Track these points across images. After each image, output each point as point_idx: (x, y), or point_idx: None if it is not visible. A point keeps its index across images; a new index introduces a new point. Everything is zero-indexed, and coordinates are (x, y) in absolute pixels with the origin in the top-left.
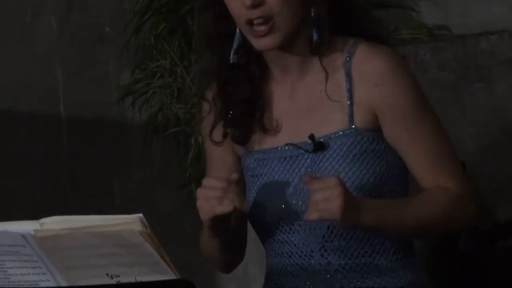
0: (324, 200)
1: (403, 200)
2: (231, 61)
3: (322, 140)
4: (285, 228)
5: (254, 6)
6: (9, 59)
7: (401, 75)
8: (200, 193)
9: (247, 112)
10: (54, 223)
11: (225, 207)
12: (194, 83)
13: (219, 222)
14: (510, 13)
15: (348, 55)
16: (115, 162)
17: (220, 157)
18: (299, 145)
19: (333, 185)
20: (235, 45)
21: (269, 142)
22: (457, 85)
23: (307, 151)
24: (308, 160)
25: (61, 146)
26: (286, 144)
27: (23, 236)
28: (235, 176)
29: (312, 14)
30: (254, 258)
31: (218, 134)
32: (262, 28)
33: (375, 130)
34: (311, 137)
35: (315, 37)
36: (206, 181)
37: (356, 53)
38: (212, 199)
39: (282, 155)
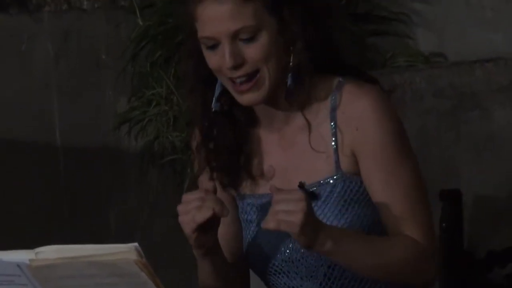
0: (286, 211)
1: (370, 237)
2: (213, 109)
3: (312, 189)
4: (281, 274)
5: (235, 67)
6: (5, 86)
7: (384, 120)
8: (180, 208)
9: (232, 158)
10: (49, 253)
11: (204, 213)
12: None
13: (204, 233)
14: (506, 40)
15: (333, 98)
16: (111, 190)
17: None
18: None
19: (297, 199)
20: (216, 93)
21: (260, 188)
22: (452, 112)
23: None
24: None
25: (57, 173)
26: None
27: (18, 265)
28: (211, 185)
29: (291, 63)
30: None
31: (206, 180)
32: (245, 85)
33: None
34: (301, 185)
35: (289, 82)
36: (184, 197)
37: (340, 96)
38: (191, 210)
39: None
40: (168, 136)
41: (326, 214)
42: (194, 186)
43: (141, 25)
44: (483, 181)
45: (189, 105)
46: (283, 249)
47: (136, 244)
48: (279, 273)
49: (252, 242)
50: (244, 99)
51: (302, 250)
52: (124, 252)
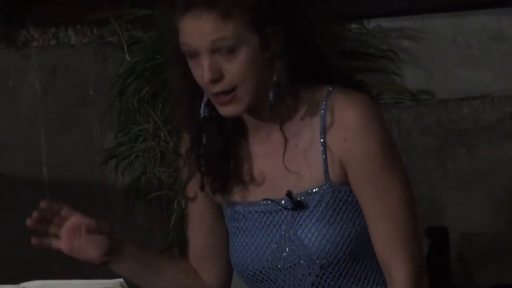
0: None
1: None
2: (202, 115)
3: (300, 198)
4: (268, 282)
5: (213, 81)
6: None
7: (372, 132)
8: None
9: (222, 163)
10: (35, 287)
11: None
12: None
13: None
14: (492, 78)
15: (323, 107)
16: None
17: (199, 213)
18: (277, 202)
19: None
20: (205, 99)
21: (249, 196)
22: (440, 149)
23: (286, 208)
24: (288, 217)
25: None
26: (265, 200)
27: None
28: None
29: (274, 79)
30: None
31: (194, 187)
32: (224, 98)
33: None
34: (289, 194)
35: (270, 97)
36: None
37: (331, 105)
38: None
39: (261, 210)
40: (155, 172)
41: (314, 223)
42: (180, 222)
43: (128, 60)
44: (470, 219)
45: (176, 112)
46: (271, 257)
47: (121, 279)
48: (266, 281)
49: (240, 249)
50: (224, 111)
51: (290, 259)
52: (109, 287)
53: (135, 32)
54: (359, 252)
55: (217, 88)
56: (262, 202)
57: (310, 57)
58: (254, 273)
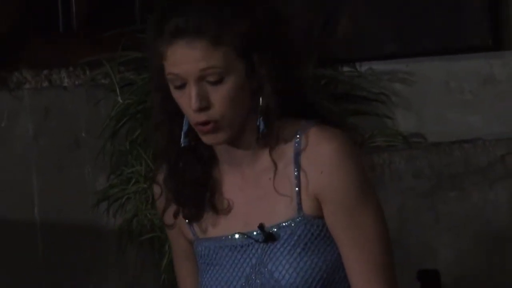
0: None
1: None
2: (182, 144)
3: (272, 231)
4: None
5: (200, 110)
6: None
7: (346, 165)
8: None
9: (198, 192)
10: None
11: None
12: None
13: None
14: (484, 121)
15: (297, 140)
16: (90, 267)
17: (179, 245)
18: (249, 235)
19: None
20: (184, 128)
21: (220, 230)
22: (431, 193)
23: (257, 241)
24: (259, 250)
25: (35, 250)
26: (237, 233)
27: None
28: None
29: (261, 104)
30: None
31: (170, 216)
32: (207, 127)
33: (324, 217)
34: (261, 227)
35: (261, 127)
36: None
37: (306, 139)
38: None
39: (233, 244)
40: (147, 214)
41: (285, 256)
42: (172, 264)
43: (121, 103)
44: (461, 262)
45: (155, 139)
46: None
47: None
48: None
49: (210, 285)
50: (206, 139)
51: None
52: None
53: (127, 74)
54: (330, 286)
55: (203, 117)
56: (235, 236)
57: (291, 88)
58: None
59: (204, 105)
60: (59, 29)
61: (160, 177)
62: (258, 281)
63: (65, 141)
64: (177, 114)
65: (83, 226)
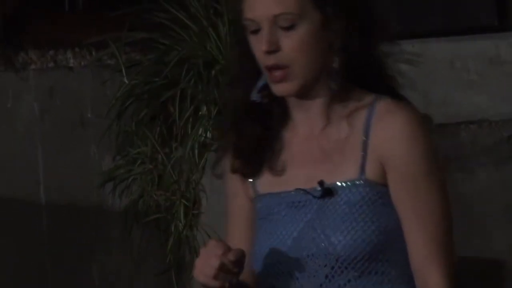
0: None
1: None
2: (253, 99)
3: (330, 187)
4: (284, 273)
5: (270, 52)
6: None
7: (418, 136)
8: (202, 253)
9: (257, 149)
10: None
11: (214, 284)
12: (175, 170)
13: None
14: (490, 102)
15: (369, 108)
16: (95, 248)
17: (239, 213)
18: (307, 191)
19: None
20: (259, 84)
21: (280, 186)
22: None
23: (315, 196)
24: (316, 206)
25: (41, 229)
26: (296, 189)
27: None
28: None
29: (334, 64)
30: None
31: (231, 169)
32: (278, 73)
33: (386, 185)
34: (321, 183)
35: (332, 85)
36: (209, 243)
37: (378, 108)
38: (208, 266)
39: (291, 200)
40: (153, 195)
41: (340, 214)
42: (177, 244)
43: (126, 83)
44: (468, 244)
45: (230, 91)
46: (292, 245)
47: None
48: (282, 272)
49: (263, 238)
50: (278, 88)
51: (309, 247)
52: None
53: (133, 55)
54: (378, 256)
55: (272, 60)
56: (293, 192)
57: (366, 57)
58: (270, 264)
59: (274, 48)
60: (65, 10)
61: (227, 133)
62: (310, 236)
63: (71, 121)
64: (254, 70)
65: (88, 206)
